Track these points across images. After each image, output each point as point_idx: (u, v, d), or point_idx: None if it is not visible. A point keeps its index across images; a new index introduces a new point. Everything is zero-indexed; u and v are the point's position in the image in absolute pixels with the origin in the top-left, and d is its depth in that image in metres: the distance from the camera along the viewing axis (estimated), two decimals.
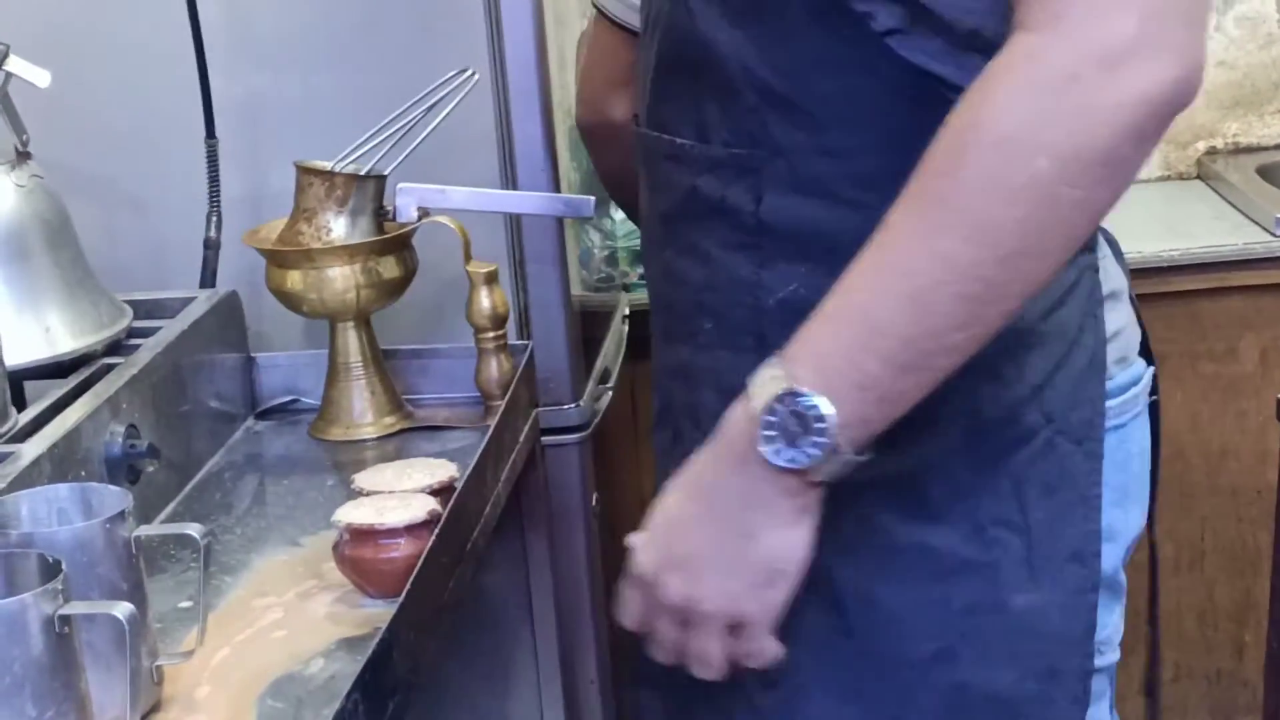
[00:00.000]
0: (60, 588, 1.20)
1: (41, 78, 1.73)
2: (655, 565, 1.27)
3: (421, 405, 1.97)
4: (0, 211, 1.72)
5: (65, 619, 1.20)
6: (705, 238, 1.36)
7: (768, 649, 1.29)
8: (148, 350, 1.76)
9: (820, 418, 1.18)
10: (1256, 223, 2.79)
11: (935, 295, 1.15)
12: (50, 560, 1.24)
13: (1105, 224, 1.35)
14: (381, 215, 1.91)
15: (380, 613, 1.48)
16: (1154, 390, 1.51)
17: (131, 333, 1.83)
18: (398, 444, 1.91)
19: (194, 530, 1.36)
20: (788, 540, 1.23)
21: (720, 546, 1.24)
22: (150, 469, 1.65)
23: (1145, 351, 1.51)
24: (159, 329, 1.84)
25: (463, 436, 1.90)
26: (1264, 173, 3.03)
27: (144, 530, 1.34)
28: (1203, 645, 2.80)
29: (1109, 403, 1.40)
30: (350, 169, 1.89)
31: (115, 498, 1.36)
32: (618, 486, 2.58)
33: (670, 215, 1.39)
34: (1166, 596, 2.68)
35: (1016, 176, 1.13)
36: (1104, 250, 1.45)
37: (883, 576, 1.33)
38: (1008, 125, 1.13)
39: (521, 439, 1.90)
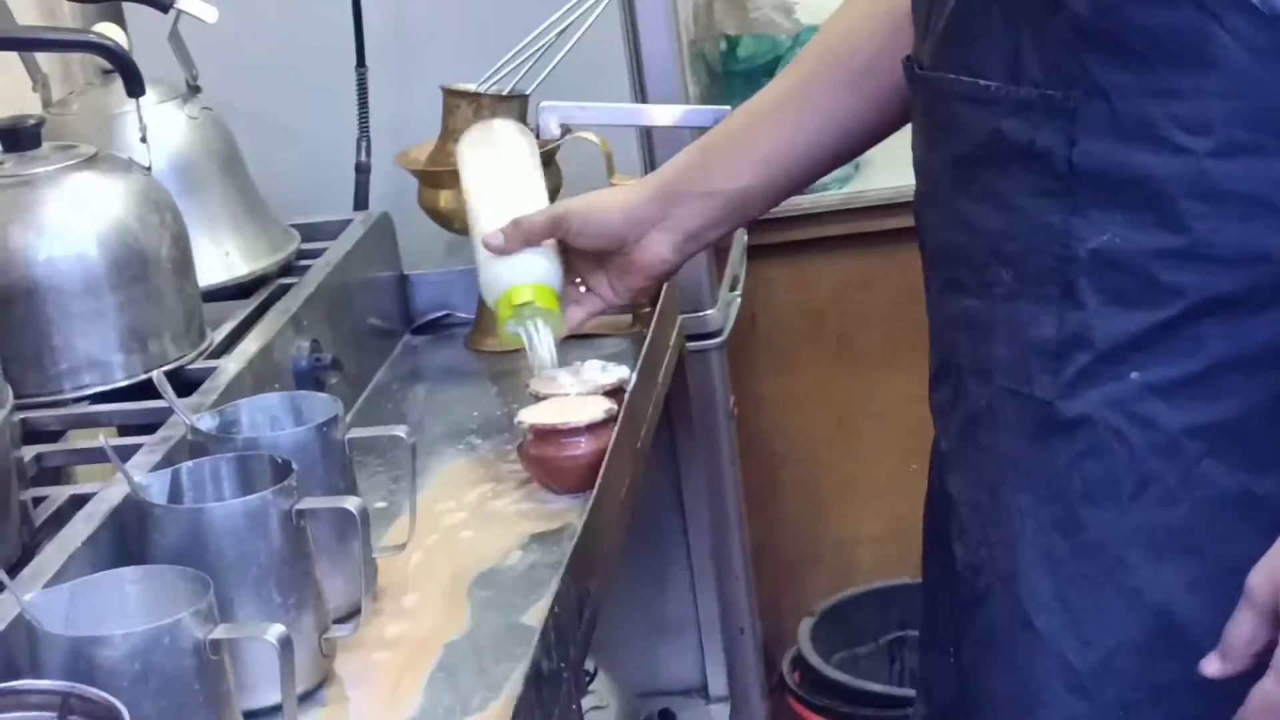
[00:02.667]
0: (295, 485, 1.30)
1: (209, 13, 1.82)
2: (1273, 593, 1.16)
3: None
4: (176, 143, 1.81)
5: (301, 513, 1.30)
6: (1008, 183, 1.28)
7: None
8: (319, 270, 1.86)
9: None
10: None
11: None
12: (280, 461, 1.33)
13: None
14: None
15: (565, 508, 1.58)
16: None
17: (300, 254, 1.92)
18: None
19: (401, 431, 1.45)
20: None
21: None
22: (333, 380, 1.74)
23: None
24: (325, 249, 1.93)
25: (613, 343, 1.98)
26: None
27: (355, 433, 1.44)
28: None
29: None
30: (493, 90, 1.97)
31: (324, 404, 1.46)
32: (745, 391, 2.67)
33: (965, 160, 1.31)
34: None
35: None
36: None
37: (1206, 531, 1.25)
38: None
39: (671, 343, 1.98)
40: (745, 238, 2.66)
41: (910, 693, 2.51)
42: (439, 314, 2.10)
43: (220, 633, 1.13)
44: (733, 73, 2.86)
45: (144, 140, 1.71)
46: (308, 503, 1.30)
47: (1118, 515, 1.25)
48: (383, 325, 2.02)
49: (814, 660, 2.55)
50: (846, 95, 1.53)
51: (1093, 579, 1.26)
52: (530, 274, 1.63)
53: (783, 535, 2.84)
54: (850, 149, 1.57)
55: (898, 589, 2.69)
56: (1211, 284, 1.20)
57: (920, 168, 1.40)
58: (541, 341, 1.63)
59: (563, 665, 1.26)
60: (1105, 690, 1.26)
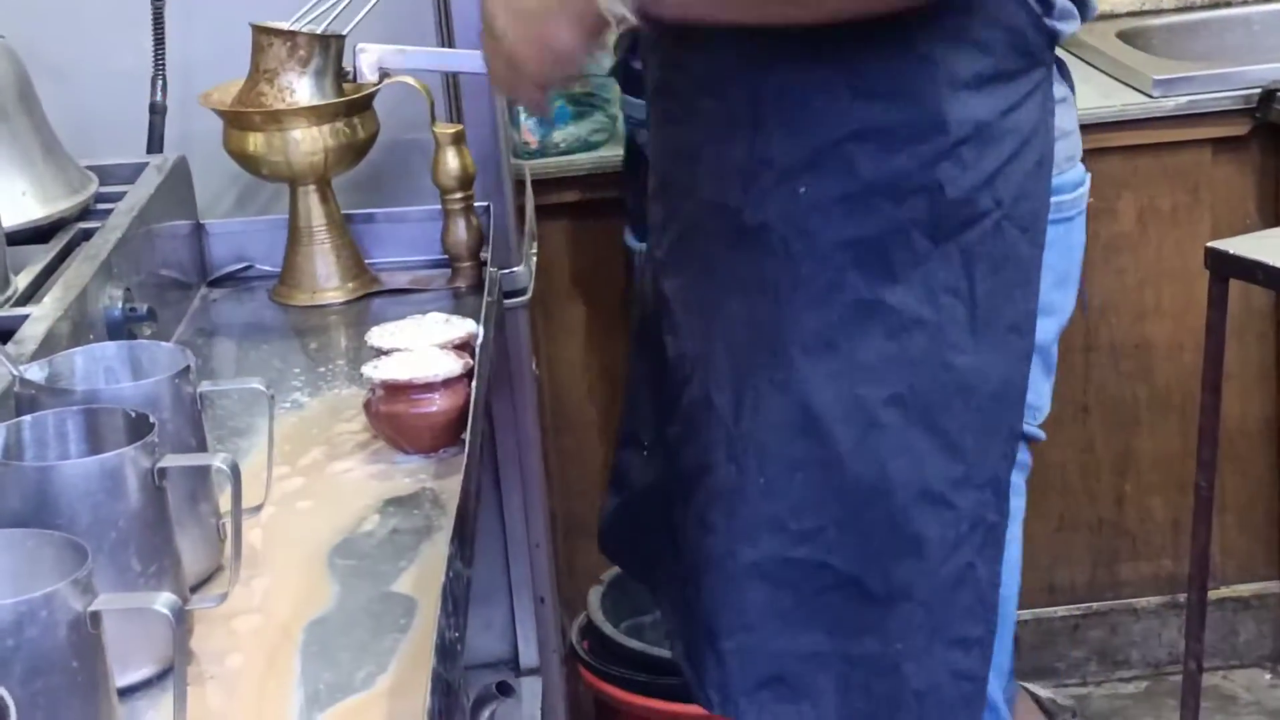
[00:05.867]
0: (157, 441, 1.18)
1: None
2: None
3: (380, 269, 1.95)
4: None
5: (163, 472, 1.18)
6: (716, 34, 1.47)
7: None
8: (122, 215, 1.72)
9: None
10: (1129, 85, 2.87)
11: None
12: (134, 415, 1.21)
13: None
14: (341, 77, 1.88)
15: (417, 468, 1.48)
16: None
17: (96, 198, 1.78)
18: (362, 308, 1.89)
19: (259, 384, 1.34)
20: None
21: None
22: (147, 333, 1.61)
23: None
24: (123, 194, 1.78)
25: (430, 300, 1.88)
26: (1124, 37, 3.11)
27: (208, 386, 1.32)
28: (1085, 496, 2.91)
29: (1059, 197, 1.56)
30: (307, 29, 1.85)
31: (170, 355, 1.34)
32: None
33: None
34: (1050, 450, 2.78)
35: None
36: (1054, 63, 1.56)
37: (845, 331, 1.48)
38: None
39: (492, 300, 1.89)
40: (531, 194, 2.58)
41: None
42: (238, 266, 1.97)
43: (102, 604, 1.01)
44: None
45: None
46: (170, 460, 1.18)
47: (780, 312, 1.49)
48: (179, 277, 1.89)
49: (606, 628, 2.49)
50: None
51: (758, 365, 1.50)
52: None
53: (569, 502, 2.77)
54: None
55: None
56: (868, 114, 1.44)
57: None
58: None
59: (458, 636, 1.17)
60: (750, 460, 1.50)
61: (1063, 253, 1.57)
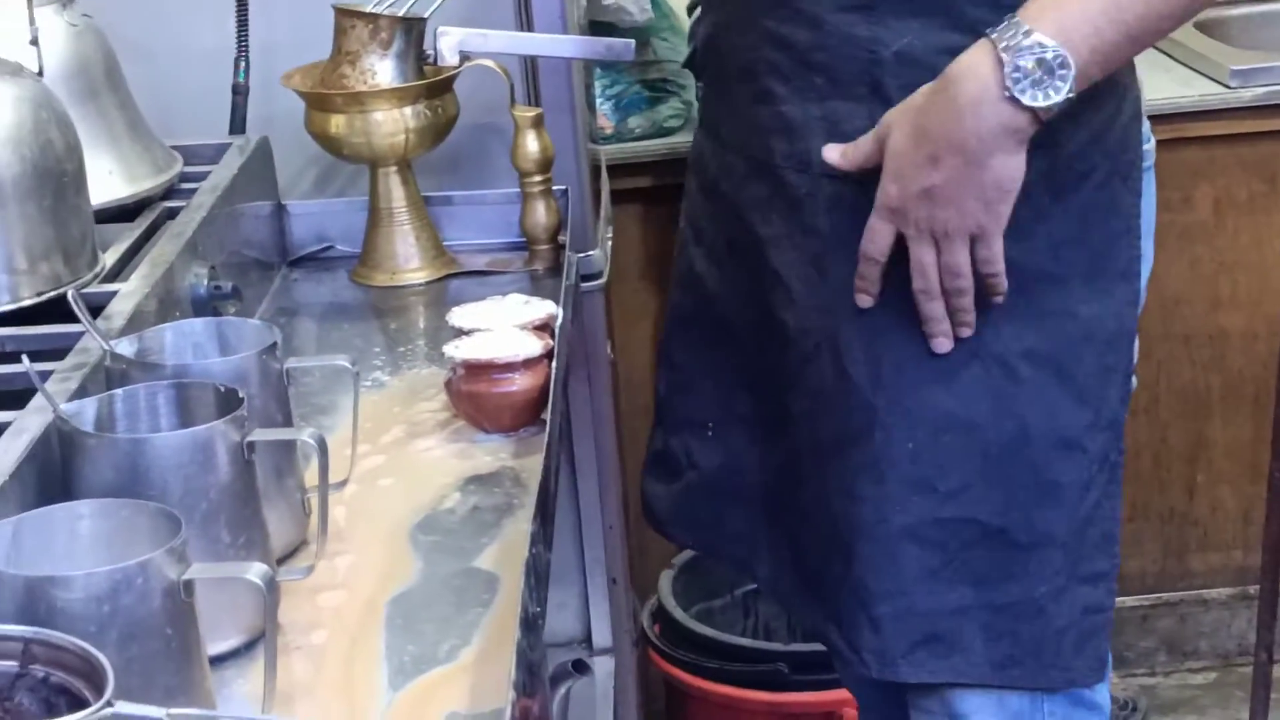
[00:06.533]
0: (246, 414, 1.20)
1: None
2: (902, 198, 1.47)
3: (457, 252, 1.96)
4: (57, 51, 1.67)
5: (253, 446, 1.19)
6: (813, 5, 1.53)
7: (999, 254, 1.49)
8: (207, 194, 1.74)
9: (1064, 64, 1.41)
10: (1206, 75, 2.85)
11: None
12: (224, 389, 1.23)
13: None
14: (422, 60, 1.89)
15: (498, 447, 1.50)
16: None
17: (181, 178, 1.80)
18: (440, 289, 1.90)
19: (345, 360, 1.36)
20: (1013, 165, 1.45)
21: (960, 175, 1.45)
22: (232, 311, 1.63)
23: None
24: (207, 174, 1.80)
25: (507, 282, 1.89)
26: (1202, 27, 3.09)
27: (295, 362, 1.34)
28: (1156, 486, 2.90)
29: (1144, 146, 1.64)
30: (389, 12, 1.86)
31: (256, 331, 1.36)
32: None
33: None
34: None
35: None
36: None
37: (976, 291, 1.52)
38: None
39: (570, 283, 1.90)
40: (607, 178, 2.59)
41: (768, 645, 2.49)
42: (318, 247, 1.99)
43: (196, 573, 1.02)
44: None
45: (35, 43, 1.57)
46: (259, 434, 1.20)
47: (909, 276, 1.50)
48: (260, 257, 1.91)
49: (677, 613, 2.50)
50: None
51: (886, 331, 1.54)
52: None
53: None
54: None
55: None
56: None
57: (716, 3, 1.65)
58: None
59: (539, 611, 1.18)
60: (896, 427, 1.54)
61: (1147, 200, 1.64)
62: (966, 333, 1.52)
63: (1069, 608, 1.58)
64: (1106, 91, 1.54)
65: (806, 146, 1.56)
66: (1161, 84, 2.84)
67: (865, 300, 1.53)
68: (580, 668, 1.81)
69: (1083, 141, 1.54)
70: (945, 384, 1.54)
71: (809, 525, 1.62)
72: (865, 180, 1.51)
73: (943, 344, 1.52)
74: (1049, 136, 1.48)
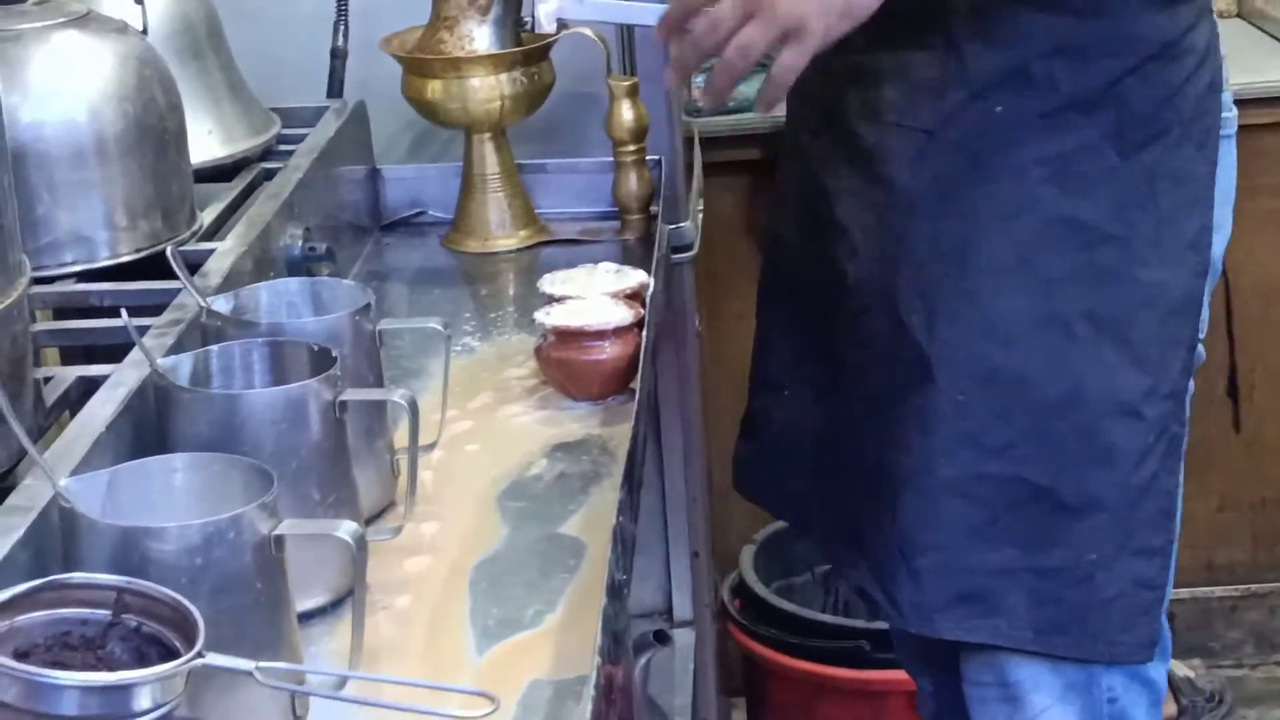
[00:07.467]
0: (338, 374, 1.20)
1: None
2: None
3: (549, 220, 1.96)
4: (163, 10, 1.68)
5: (344, 405, 1.20)
6: None
7: (798, 68, 1.44)
8: (304, 156, 1.75)
9: None
10: None
11: None
12: (317, 348, 1.23)
13: None
14: (520, 27, 1.89)
15: (586, 414, 1.50)
16: None
17: (279, 140, 1.81)
18: (532, 257, 1.90)
19: (436, 323, 1.36)
20: None
21: None
22: (326, 272, 1.64)
23: None
24: (304, 136, 1.82)
25: (598, 251, 1.89)
26: None
27: (387, 324, 1.34)
28: (1248, 476, 2.86)
29: (1223, 115, 1.61)
30: None
31: (350, 292, 1.36)
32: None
33: None
34: (1212, 429, 2.74)
35: None
36: None
37: (1037, 246, 1.53)
38: None
39: (661, 253, 1.90)
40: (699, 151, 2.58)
41: (850, 622, 2.48)
42: (411, 212, 1.99)
43: (287, 528, 1.03)
44: None
45: (140, 2, 1.59)
46: (351, 394, 1.21)
47: (969, 229, 1.52)
48: (354, 220, 1.92)
49: (758, 589, 2.50)
50: None
51: (947, 283, 1.53)
52: None
53: (725, 459, 2.77)
54: None
55: None
56: (1064, 30, 1.49)
57: None
58: None
59: (625, 579, 1.18)
60: (947, 377, 1.53)
61: (1225, 170, 1.62)
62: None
63: (1119, 578, 1.55)
64: (1180, 55, 1.53)
65: (877, 95, 1.56)
66: (1265, 67, 2.80)
67: (670, 78, 1.54)
68: (661, 638, 1.81)
69: (1155, 101, 1.53)
70: (999, 338, 1.53)
71: (857, 477, 1.61)
72: (934, 130, 1.51)
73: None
74: (1114, 94, 1.49)
